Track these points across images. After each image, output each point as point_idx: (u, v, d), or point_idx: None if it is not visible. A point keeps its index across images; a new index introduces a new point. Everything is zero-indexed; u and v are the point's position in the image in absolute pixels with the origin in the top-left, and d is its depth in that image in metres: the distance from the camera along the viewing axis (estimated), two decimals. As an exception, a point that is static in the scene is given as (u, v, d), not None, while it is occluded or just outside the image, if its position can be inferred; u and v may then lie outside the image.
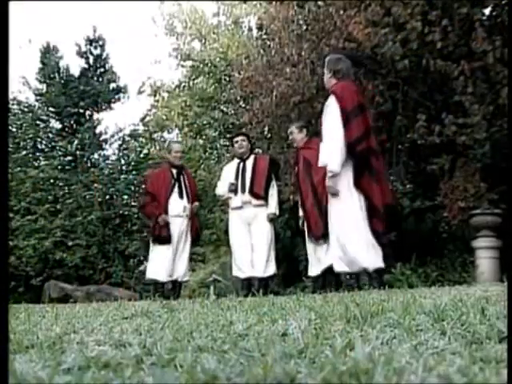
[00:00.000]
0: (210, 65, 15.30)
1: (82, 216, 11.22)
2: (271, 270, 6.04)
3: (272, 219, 6.11)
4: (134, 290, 10.09)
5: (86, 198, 11.44)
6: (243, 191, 6.08)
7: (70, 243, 10.87)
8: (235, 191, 6.11)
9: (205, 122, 15.07)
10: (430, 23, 6.64)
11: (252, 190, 6.05)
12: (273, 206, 6.09)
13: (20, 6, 17.37)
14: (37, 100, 13.71)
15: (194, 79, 16.04)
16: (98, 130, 13.83)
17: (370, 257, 4.49)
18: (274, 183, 6.21)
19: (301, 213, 5.80)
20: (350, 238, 4.52)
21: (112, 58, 14.60)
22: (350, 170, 4.53)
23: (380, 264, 4.50)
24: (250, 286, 5.94)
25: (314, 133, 6.99)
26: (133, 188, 12.52)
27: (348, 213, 4.52)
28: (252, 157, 6.30)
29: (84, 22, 27.42)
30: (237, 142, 6.35)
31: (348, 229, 4.52)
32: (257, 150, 10.57)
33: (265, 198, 6.07)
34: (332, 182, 4.56)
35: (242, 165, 6.21)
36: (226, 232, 6.54)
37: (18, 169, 11.47)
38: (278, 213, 6.25)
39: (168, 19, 16.11)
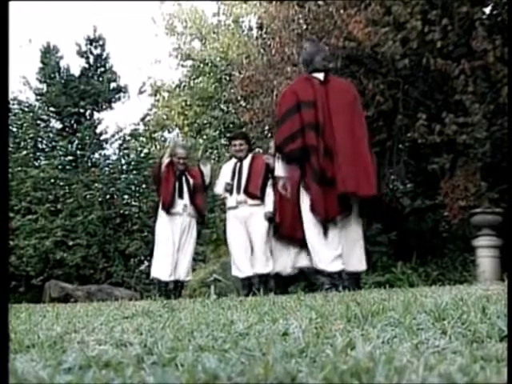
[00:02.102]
0: (210, 64, 15.31)
1: (83, 216, 11.22)
2: (270, 266, 6.03)
3: (271, 218, 6.06)
4: (135, 290, 10.09)
5: (87, 197, 11.44)
6: (238, 191, 6.08)
7: (71, 243, 10.87)
8: (231, 191, 6.11)
9: (205, 122, 15.08)
10: (430, 22, 6.64)
11: (247, 190, 6.02)
12: (269, 204, 6.02)
13: (20, 6, 17.35)
14: (37, 100, 13.70)
15: (194, 79, 16.05)
16: (98, 130, 13.81)
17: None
18: (271, 182, 6.10)
19: None
20: (307, 239, 4.54)
21: (112, 58, 14.57)
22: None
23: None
24: (250, 285, 5.94)
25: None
26: (133, 188, 12.52)
27: (305, 214, 4.50)
28: (249, 156, 6.26)
29: (84, 21, 27.39)
30: (235, 145, 6.33)
31: (305, 229, 4.53)
32: (257, 150, 10.55)
33: (261, 197, 6.04)
34: (281, 185, 4.61)
35: (238, 164, 6.19)
36: (226, 231, 6.52)
37: (19, 168, 11.46)
38: (269, 215, 6.08)
39: (168, 19, 16.12)
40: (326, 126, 4.34)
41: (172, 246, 6.40)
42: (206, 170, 6.67)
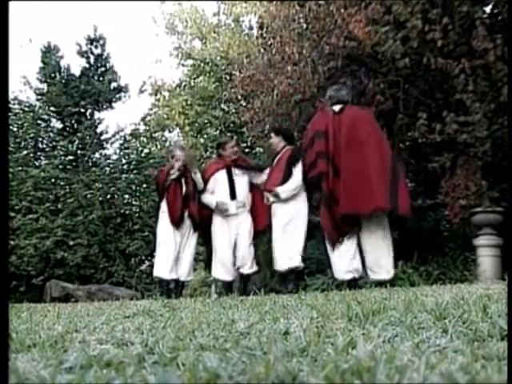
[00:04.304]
0: (210, 64, 15.30)
1: (83, 215, 11.23)
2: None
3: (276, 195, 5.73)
4: (136, 289, 10.10)
5: (87, 197, 11.45)
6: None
7: (71, 242, 10.88)
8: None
9: (206, 121, 15.07)
10: (431, 21, 6.63)
11: (265, 185, 5.87)
12: (283, 187, 5.68)
13: (20, 6, 17.34)
14: (38, 99, 13.69)
15: (194, 78, 16.04)
16: (98, 130, 13.81)
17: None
18: (296, 171, 5.66)
19: None
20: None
21: (113, 58, 14.56)
22: None
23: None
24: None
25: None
26: (134, 187, 12.53)
27: None
28: (283, 150, 5.92)
29: (84, 21, 27.40)
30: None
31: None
32: (257, 149, 10.53)
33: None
34: None
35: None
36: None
37: (19, 168, 11.48)
38: (282, 196, 5.66)
39: (168, 18, 16.11)
40: (335, 153, 4.89)
41: (173, 246, 6.41)
42: (197, 178, 6.54)
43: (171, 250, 6.40)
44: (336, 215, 4.88)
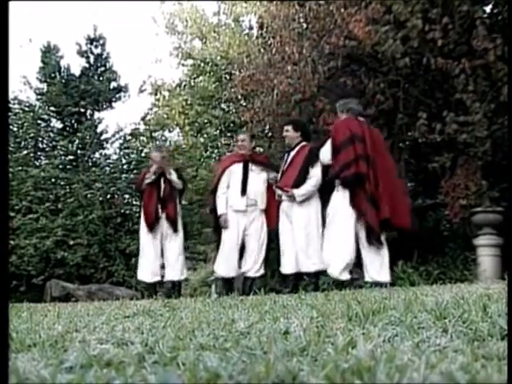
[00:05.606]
0: (210, 63, 15.29)
1: (84, 215, 11.22)
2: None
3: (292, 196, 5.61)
4: (136, 289, 10.09)
5: (87, 197, 11.45)
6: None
7: (72, 242, 10.88)
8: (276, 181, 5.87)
9: (206, 121, 15.06)
10: (431, 21, 6.63)
11: (279, 183, 5.73)
12: (299, 190, 5.57)
13: (20, 6, 17.32)
14: (38, 99, 13.68)
15: (194, 78, 16.03)
16: (98, 129, 13.79)
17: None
18: (314, 172, 5.60)
19: None
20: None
21: (113, 57, 14.53)
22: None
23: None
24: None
25: (314, 131, 6.99)
26: (134, 187, 12.52)
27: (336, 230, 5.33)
28: (299, 146, 5.78)
29: (84, 21, 27.34)
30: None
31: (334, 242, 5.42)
32: (257, 149, 10.53)
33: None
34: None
35: (286, 155, 5.88)
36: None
37: (19, 168, 11.47)
38: (299, 200, 5.57)
39: (168, 18, 16.10)
40: (372, 159, 5.14)
41: (153, 247, 6.43)
42: (172, 177, 6.49)
43: (151, 251, 6.43)
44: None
